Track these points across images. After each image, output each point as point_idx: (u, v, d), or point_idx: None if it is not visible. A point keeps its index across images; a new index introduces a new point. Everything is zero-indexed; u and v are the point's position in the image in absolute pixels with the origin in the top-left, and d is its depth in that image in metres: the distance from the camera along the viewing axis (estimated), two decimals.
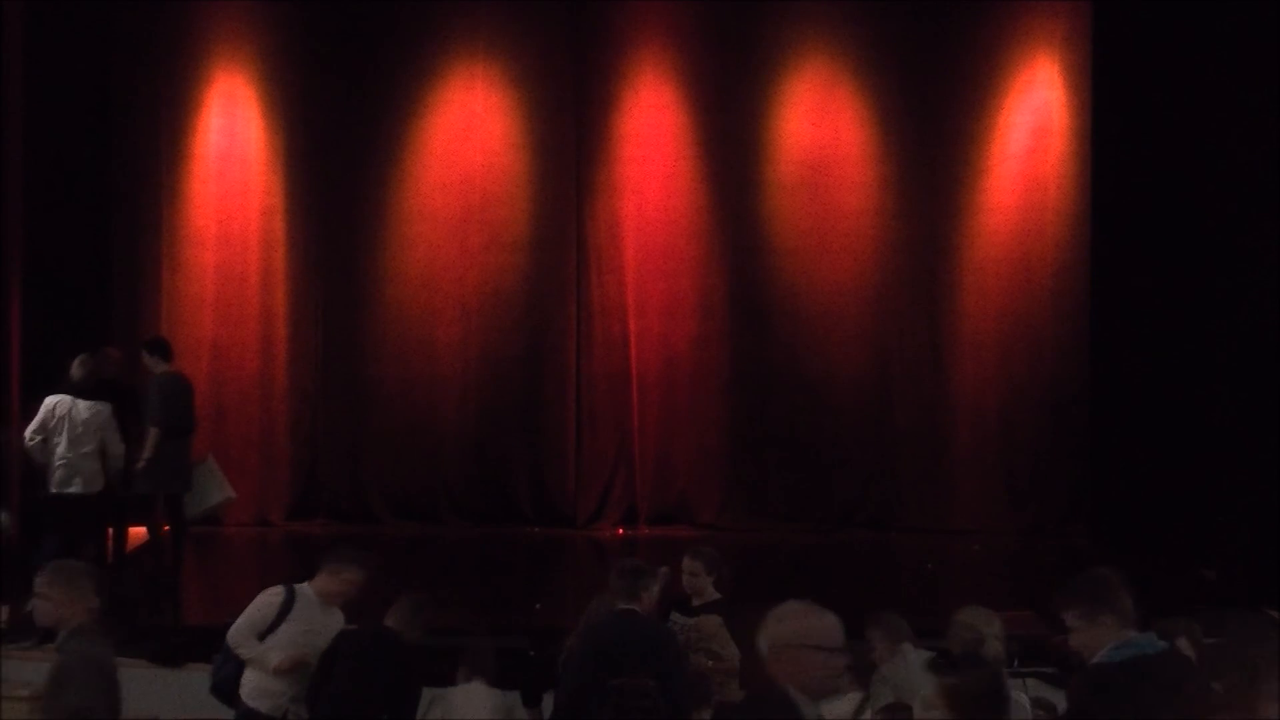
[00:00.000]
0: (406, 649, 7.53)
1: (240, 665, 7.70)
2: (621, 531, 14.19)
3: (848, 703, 7.57)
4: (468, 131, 14.25)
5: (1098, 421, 13.80)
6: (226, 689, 7.81)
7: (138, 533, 12.08)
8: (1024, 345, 14.04)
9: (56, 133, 12.39)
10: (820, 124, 14.14)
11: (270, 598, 7.73)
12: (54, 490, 11.00)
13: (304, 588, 7.74)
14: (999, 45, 13.96)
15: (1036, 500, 13.99)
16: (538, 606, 10.68)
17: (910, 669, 7.37)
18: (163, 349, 11.71)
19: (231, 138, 14.23)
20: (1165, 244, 13.03)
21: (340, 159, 14.26)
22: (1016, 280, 14.02)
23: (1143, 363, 13.27)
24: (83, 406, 11.02)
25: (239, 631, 7.73)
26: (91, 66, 13.39)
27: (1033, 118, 13.96)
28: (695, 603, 8.14)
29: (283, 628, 7.64)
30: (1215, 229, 12.50)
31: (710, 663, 7.80)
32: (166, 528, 11.74)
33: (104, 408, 11.08)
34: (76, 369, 11.18)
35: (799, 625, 4.28)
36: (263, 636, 7.65)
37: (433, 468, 14.28)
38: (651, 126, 14.23)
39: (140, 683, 8.65)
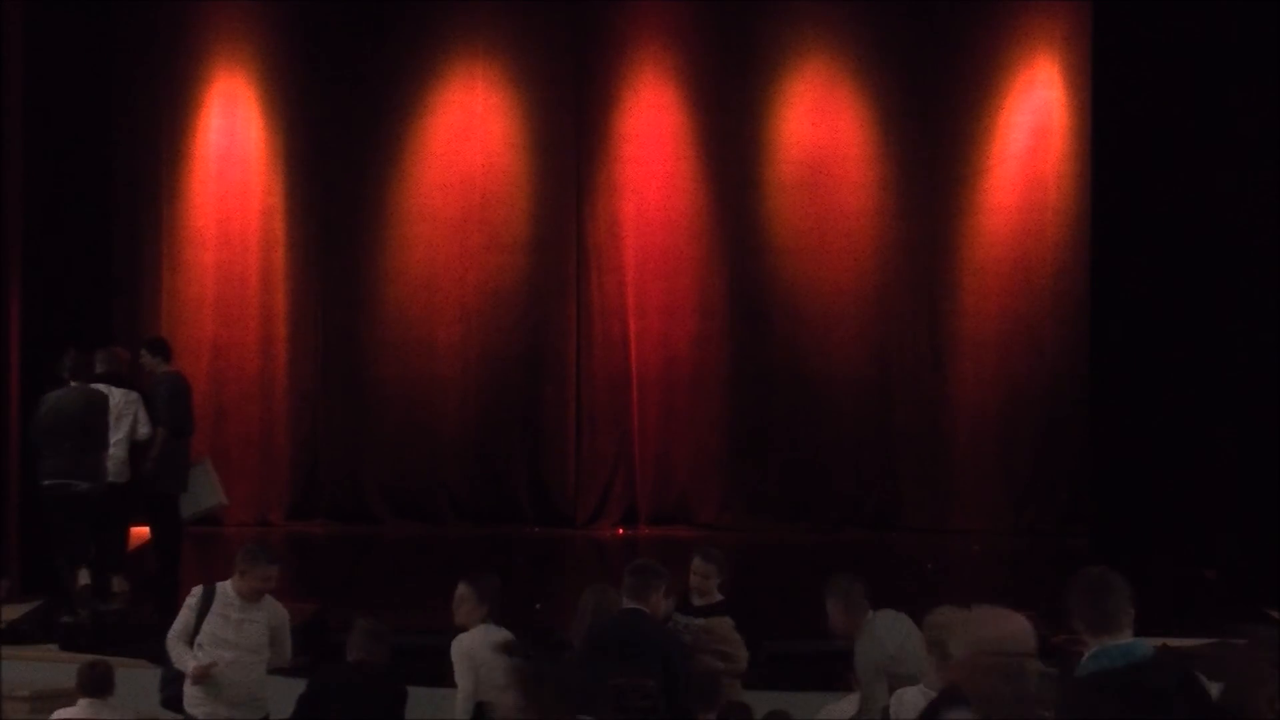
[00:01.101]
0: (381, 678, 7.47)
1: (182, 676, 7.82)
2: (621, 531, 14.19)
3: (849, 703, 7.56)
4: (468, 131, 14.25)
5: (1098, 421, 13.77)
6: (174, 702, 7.89)
7: (139, 533, 12.09)
8: (1024, 345, 14.03)
9: (56, 133, 12.38)
10: (820, 124, 14.13)
11: (190, 599, 7.90)
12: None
13: (225, 585, 7.90)
14: (999, 45, 13.95)
15: (1036, 500, 13.99)
16: (538, 606, 10.68)
17: (879, 637, 7.33)
18: (164, 349, 11.73)
19: (231, 138, 14.24)
20: (1166, 244, 13.00)
21: (340, 159, 14.27)
22: (1016, 280, 14.01)
23: (1143, 363, 13.25)
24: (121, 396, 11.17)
25: (169, 638, 7.89)
26: (91, 66, 13.37)
27: (1033, 118, 13.95)
28: (697, 602, 8.11)
29: (204, 627, 7.77)
30: (1216, 229, 12.49)
31: (721, 664, 7.77)
32: (155, 528, 11.74)
33: (133, 394, 11.19)
34: (100, 364, 11.29)
35: (995, 631, 4.28)
36: (191, 640, 7.78)
37: (433, 468, 14.28)
38: (651, 126, 14.22)
39: (140, 682, 8.67)
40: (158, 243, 14.11)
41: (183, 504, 11.71)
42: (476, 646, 7.64)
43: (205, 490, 12.04)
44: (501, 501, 14.30)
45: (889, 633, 7.31)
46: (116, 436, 11.11)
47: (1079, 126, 13.81)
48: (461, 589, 7.78)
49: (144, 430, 11.25)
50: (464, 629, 7.72)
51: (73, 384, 10.87)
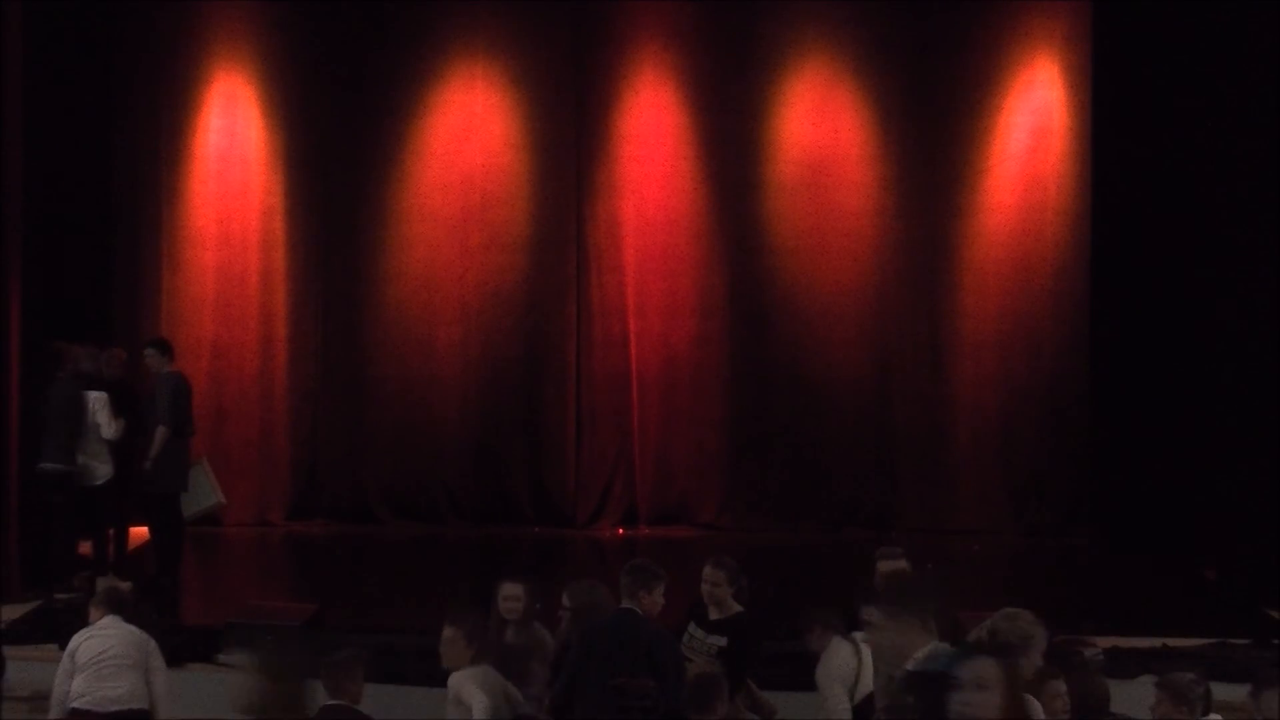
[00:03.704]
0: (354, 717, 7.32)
1: None
2: (621, 531, 14.19)
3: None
4: (468, 131, 14.25)
5: (1098, 421, 13.79)
6: None
7: (138, 533, 12.10)
8: (1024, 345, 14.03)
9: (56, 133, 12.38)
10: (820, 124, 14.13)
11: None
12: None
13: None
14: (999, 45, 13.95)
15: (1036, 500, 13.98)
16: (538, 606, 10.66)
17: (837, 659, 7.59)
18: (167, 349, 11.75)
19: (231, 138, 14.23)
20: (1165, 244, 13.03)
21: (340, 159, 14.26)
22: (1016, 280, 14.02)
23: (1142, 362, 13.27)
24: (91, 398, 11.24)
25: None
26: (91, 66, 13.38)
27: (1033, 118, 13.95)
28: (714, 615, 7.82)
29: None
30: (1215, 228, 12.50)
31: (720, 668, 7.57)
32: (154, 527, 11.76)
33: (100, 395, 11.30)
34: (88, 362, 11.33)
35: None
36: None
37: (433, 468, 14.27)
38: (651, 126, 14.22)
39: None
40: (158, 243, 14.11)
41: (182, 504, 11.74)
42: (479, 680, 7.33)
43: (203, 490, 12.05)
44: (501, 501, 14.30)
45: None
46: (88, 436, 11.19)
47: (1079, 126, 13.83)
48: (447, 631, 7.29)
49: (108, 431, 11.29)
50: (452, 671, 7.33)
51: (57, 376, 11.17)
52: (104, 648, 7.92)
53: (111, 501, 11.58)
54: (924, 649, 5.06)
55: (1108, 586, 11.91)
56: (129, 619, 8.11)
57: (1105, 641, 9.04)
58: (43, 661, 9.42)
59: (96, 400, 11.31)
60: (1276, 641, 9.91)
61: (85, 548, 11.70)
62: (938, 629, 5.26)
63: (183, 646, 9.64)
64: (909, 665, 5.05)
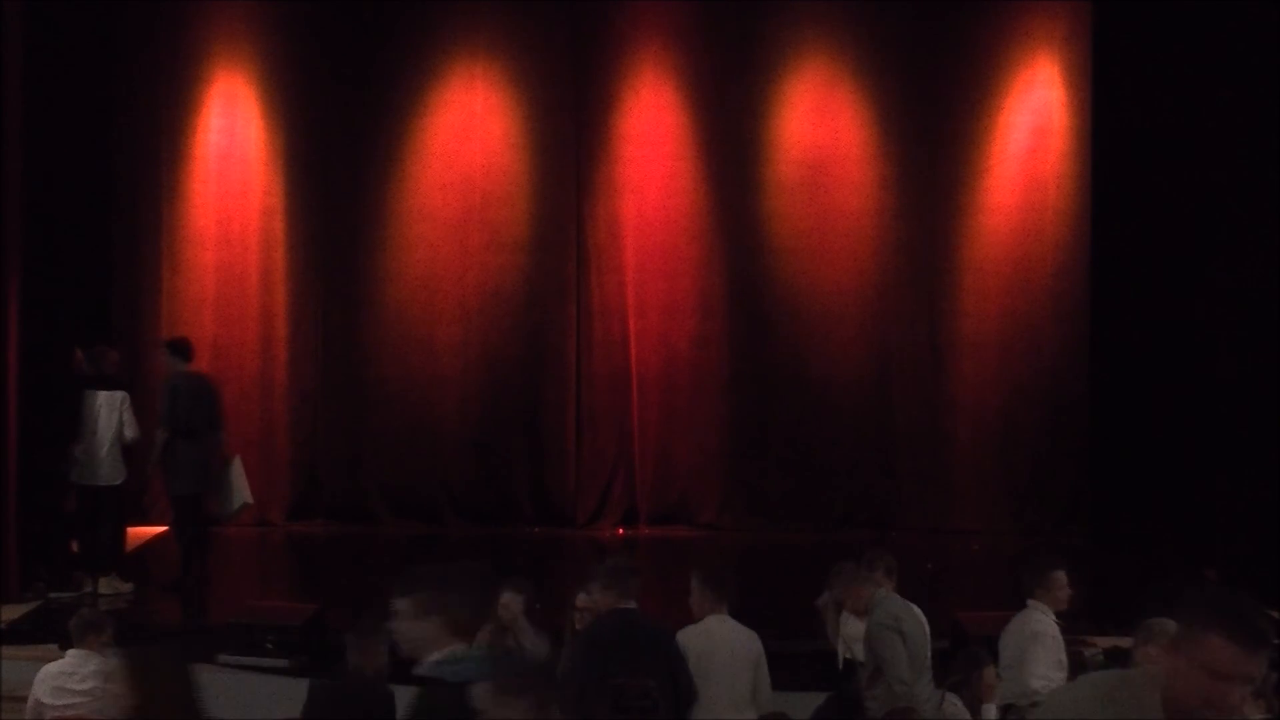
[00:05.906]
0: (370, 685, 7.29)
1: None
2: (621, 531, 14.19)
3: None
4: (468, 131, 14.25)
5: (1097, 421, 13.80)
6: None
7: (137, 533, 12.10)
8: (1024, 345, 14.04)
9: (56, 133, 12.38)
10: (820, 124, 14.14)
11: None
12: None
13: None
14: (999, 45, 13.96)
15: (1036, 500, 14.00)
16: (538, 606, 10.67)
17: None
18: (178, 349, 11.73)
19: (231, 138, 14.24)
20: (1165, 244, 13.03)
21: (340, 159, 14.27)
22: (1016, 280, 14.03)
23: (1142, 362, 13.27)
24: (117, 398, 11.30)
25: None
26: (91, 67, 13.37)
27: (1033, 118, 13.96)
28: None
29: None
30: (1215, 229, 12.51)
31: None
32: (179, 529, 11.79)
33: (118, 395, 11.32)
34: (87, 364, 11.37)
35: None
36: None
37: (433, 468, 14.27)
38: (651, 126, 14.23)
39: None
40: (158, 243, 14.11)
41: (219, 503, 11.72)
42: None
43: (234, 490, 11.99)
44: (501, 501, 14.30)
45: (904, 610, 7.43)
46: (100, 437, 11.18)
47: (1079, 126, 13.84)
48: None
49: (129, 433, 11.29)
50: None
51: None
52: (77, 710, 7.70)
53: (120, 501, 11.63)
54: (444, 650, 4.98)
55: (1107, 586, 11.91)
56: (109, 641, 7.97)
57: (1105, 641, 9.09)
58: (43, 661, 9.43)
59: (123, 401, 11.31)
60: (1276, 641, 9.91)
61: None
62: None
63: (182, 646, 9.64)
64: (425, 665, 4.97)
